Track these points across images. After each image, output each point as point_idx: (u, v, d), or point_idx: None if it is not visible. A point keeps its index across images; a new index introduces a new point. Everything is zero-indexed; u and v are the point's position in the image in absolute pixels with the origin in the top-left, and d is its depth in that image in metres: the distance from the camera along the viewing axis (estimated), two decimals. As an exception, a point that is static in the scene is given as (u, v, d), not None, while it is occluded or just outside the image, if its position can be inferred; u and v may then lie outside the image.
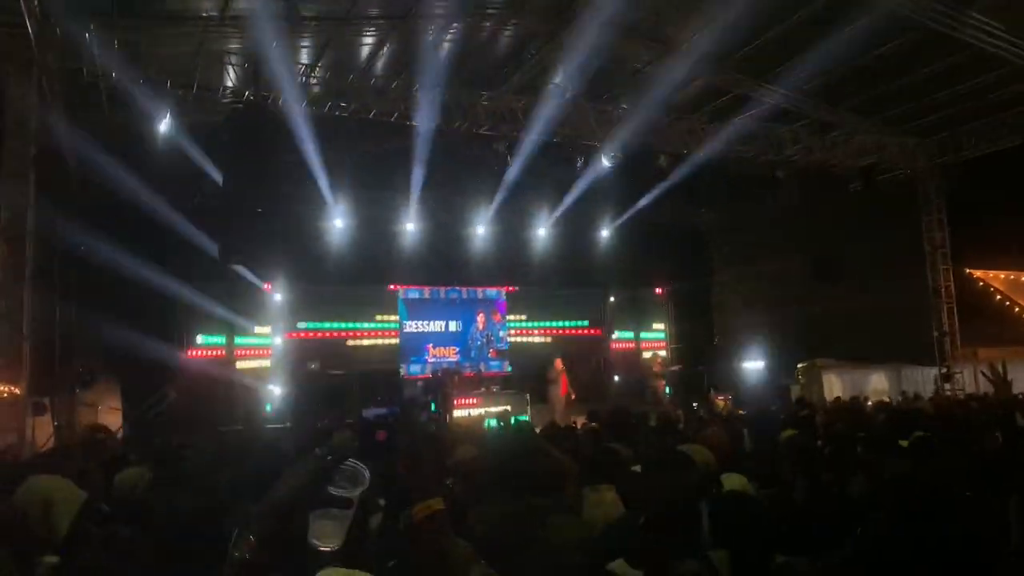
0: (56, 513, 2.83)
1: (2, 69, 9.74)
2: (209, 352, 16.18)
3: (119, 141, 13.14)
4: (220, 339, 16.30)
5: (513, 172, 14.35)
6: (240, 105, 11.55)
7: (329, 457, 1.76)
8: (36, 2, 9.36)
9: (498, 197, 17.16)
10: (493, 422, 13.03)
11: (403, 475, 1.83)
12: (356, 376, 15.61)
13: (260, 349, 16.90)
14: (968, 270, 17.56)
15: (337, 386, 15.08)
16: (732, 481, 3.54)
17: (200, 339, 16.09)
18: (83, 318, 13.68)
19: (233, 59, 11.55)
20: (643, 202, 17.54)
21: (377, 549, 2.14)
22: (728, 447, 5.06)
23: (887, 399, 14.06)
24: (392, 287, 18.62)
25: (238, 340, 16.49)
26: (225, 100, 11.70)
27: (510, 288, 19.81)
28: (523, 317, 20.12)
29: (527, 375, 18.13)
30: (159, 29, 10.91)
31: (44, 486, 2.91)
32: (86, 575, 2.80)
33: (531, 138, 13.48)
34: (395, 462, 1.87)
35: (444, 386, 14.35)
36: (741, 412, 11.01)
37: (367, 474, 1.78)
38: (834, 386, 16.51)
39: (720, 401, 16.73)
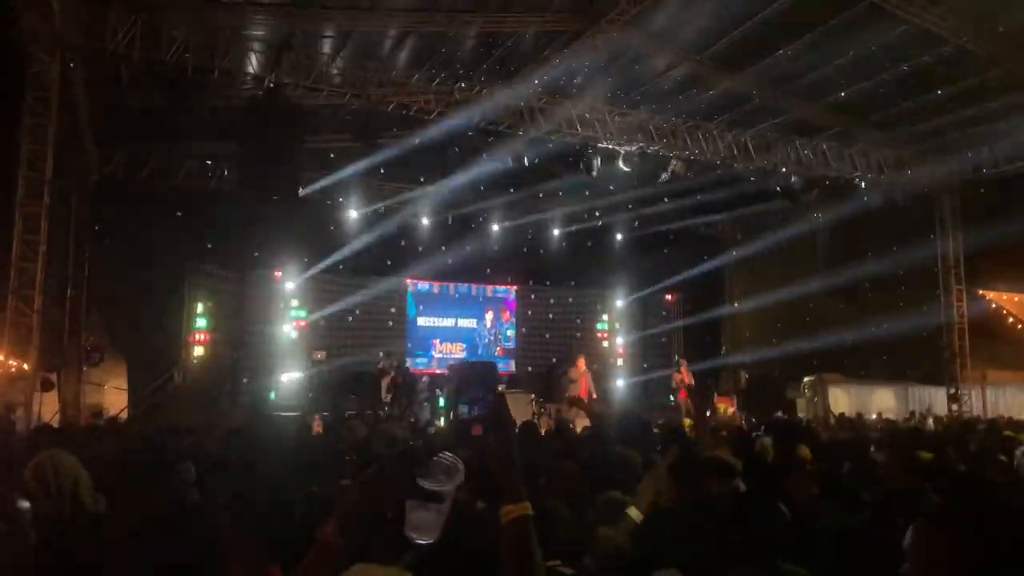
0: (82, 488, 2.82)
1: (26, 46, 9.76)
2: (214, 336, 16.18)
3: (138, 121, 13.19)
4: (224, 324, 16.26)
5: (528, 171, 14.29)
6: (260, 92, 11.55)
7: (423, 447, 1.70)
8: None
9: (512, 195, 17.11)
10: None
11: (493, 473, 1.76)
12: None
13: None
14: (981, 291, 17.41)
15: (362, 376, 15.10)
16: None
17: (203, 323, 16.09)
18: (93, 297, 13.76)
19: (255, 45, 11.54)
20: (657, 207, 17.49)
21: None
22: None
23: (893, 418, 13.99)
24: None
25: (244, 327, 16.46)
26: (246, 87, 11.69)
27: (519, 287, 19.78)
28: (531, 316, 20.07)
29: (533, 374, 18.11)
30: (181, 11, 10.90)
31: (71, 462, 2.89)
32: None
33: (549, 138, 13.44)
34: (486, 459, 1.79)
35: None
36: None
37: (462, 467, 1.71)
38: (840, 401, 16.41)
39: (724, 407, 16.65)
